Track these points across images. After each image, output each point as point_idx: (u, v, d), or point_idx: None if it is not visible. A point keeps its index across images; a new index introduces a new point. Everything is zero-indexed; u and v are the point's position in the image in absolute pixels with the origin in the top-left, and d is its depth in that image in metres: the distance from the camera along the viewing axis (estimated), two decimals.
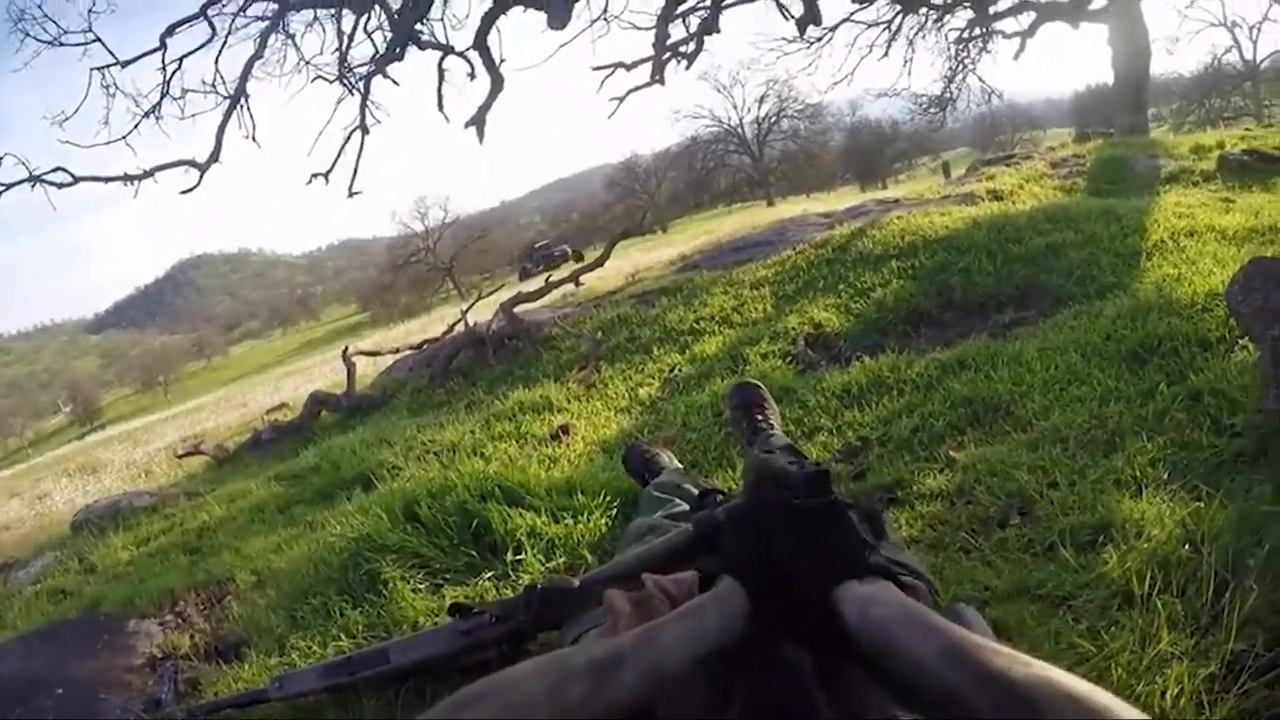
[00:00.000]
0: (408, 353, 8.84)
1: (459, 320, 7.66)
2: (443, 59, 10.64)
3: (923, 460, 3.06)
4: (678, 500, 2.49)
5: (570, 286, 8.50)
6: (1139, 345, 3.47)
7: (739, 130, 56.08)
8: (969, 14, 18.01)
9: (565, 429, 4.47)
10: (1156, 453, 2.59)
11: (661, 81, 11.62)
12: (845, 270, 6.13)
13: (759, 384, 3.28)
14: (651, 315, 6.53)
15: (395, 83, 10.78)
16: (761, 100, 54.61)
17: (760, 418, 3.05)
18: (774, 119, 55.28)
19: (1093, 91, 43.91)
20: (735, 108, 56.05)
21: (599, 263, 7.89)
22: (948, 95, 19.96)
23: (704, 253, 9.63)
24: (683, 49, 12.11)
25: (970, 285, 5.26)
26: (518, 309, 7.35)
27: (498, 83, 10.05)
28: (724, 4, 11.65)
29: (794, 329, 5.20)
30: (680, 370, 5.16)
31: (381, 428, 6.01)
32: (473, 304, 7.89)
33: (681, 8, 11.44)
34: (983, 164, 11.38)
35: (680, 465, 3.24)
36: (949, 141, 48.00)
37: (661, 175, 59.96)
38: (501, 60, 10.10)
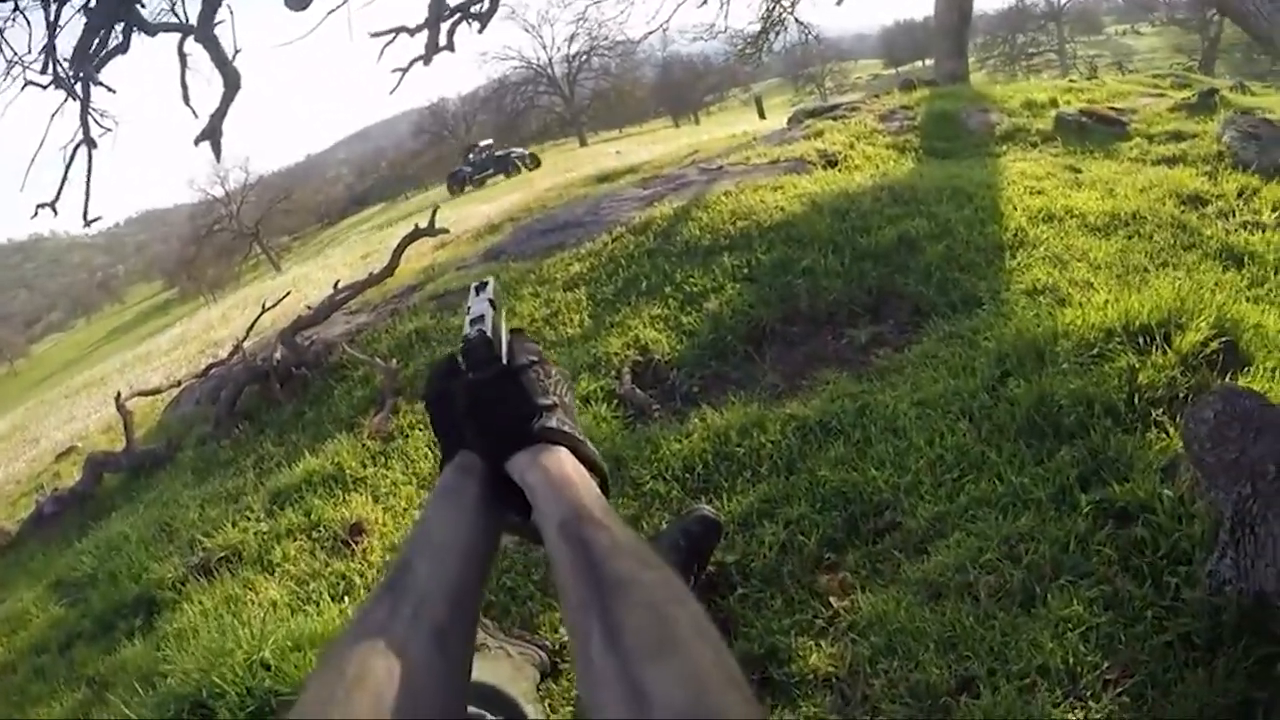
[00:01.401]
0: (192, 382, 7.93)
1: (243, 340, 6.68)
2: (183, 41, 8.65)
3: (798, 610, 2.47)
4: None
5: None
6: (1035, 411, 2.95)
7: (549, 70, 55.14)
8: None
9: (359, 529, 3.73)
10: (1087, 616, 2.09)
11: (451, 49, 10.40)
12: (671, 266, 5.43)
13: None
14: (454, 328, 5.66)
15: (110, 89, 8.57)
16: (572, 39, 53.49)
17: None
18: (585, 57, 54.36)
19: (902, 26, 45.26)
20: (544, 47, 54.96)
21: (388, 272, 7.01)
22: (764, 37, 19.51)
23: (514, 223, 8.84)
24: (475, 8, 10.73)
25: (817, 290, 4.67)
26: (303, 333, 6.46)
27: (232, 83, 8.16)
28: None
29: (617, 354, 4.50)
30: None
31: (163, 506, 5.15)
32: (245, 336, 6.89)
33: None
34: (806, 115, 10.85)
35: (486, 642, 2.47)
36: (760, 74, 48.45)
37: (471, 119, 58.13)
38: (237, 51, 8.26)
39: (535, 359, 0.95)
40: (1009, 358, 3.34)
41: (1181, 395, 2.83)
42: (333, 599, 3.19)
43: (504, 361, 0.92)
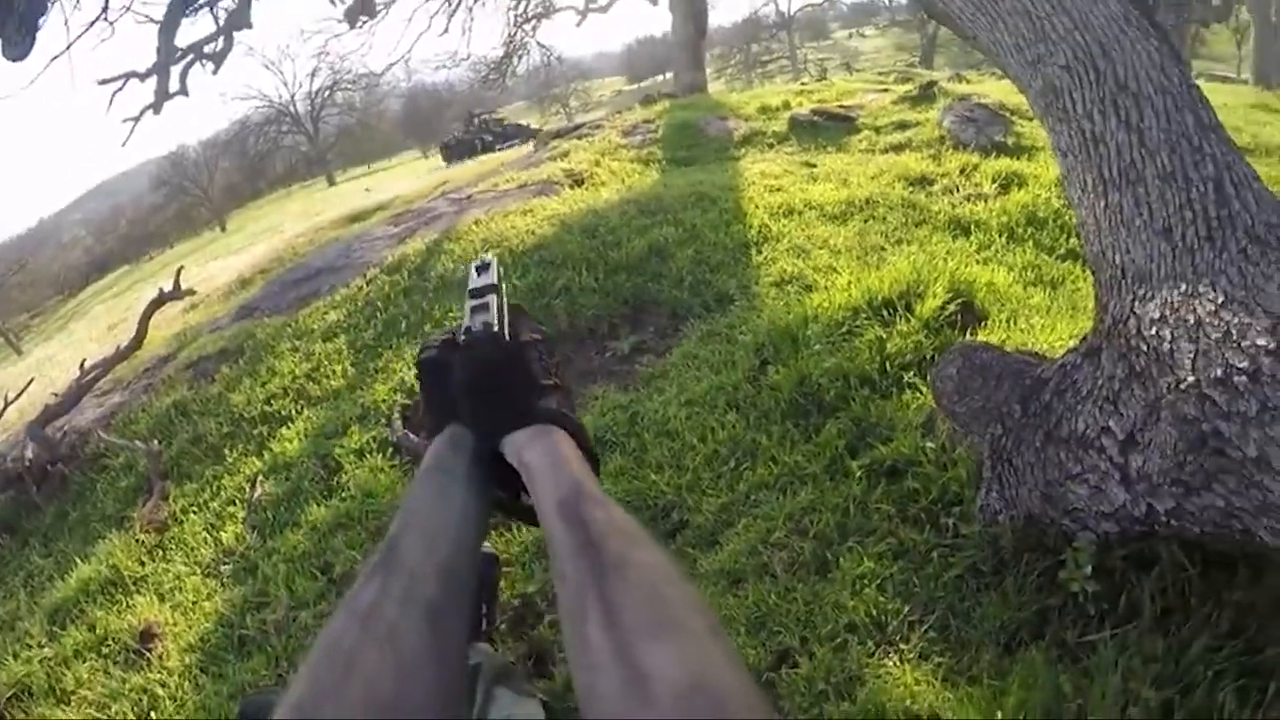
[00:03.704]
0: None
1: None
2: None
3: None
4: None
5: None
6: (797, 393, 3.15)
7: (292, 108, 53.08)
8: None
9: (150, 634, 3.45)
10: (879, 570, 2.27)
11: (185, 93, 9.91)
12: (429, 303, 5.40)
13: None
14: (214, 396, 5.39)
15: None
16: (313, 74, 51.82)
17: None
18: (328, 93, 52.84)
19: (643, 43, 46.86)
20: (286, 84, 52.82)
21: (136, 344, 6.55)
22: (507, 62, 19.81)
23: (265, 276, 8.47)
24: (208, 49, 10.31)
25: (576, 308, 4.76)
26: (54, 424, 5.85)
27: None
28: None
29: (385, 401, 4.40)
30: (264, 488, 4.17)
31: None
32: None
33: (196, 3, 9.75)
34: (552, 136, 11.11)
35: None
36: (505, 98, 48.88)
37: (214, 166, 55.14)
38: None
39: (538, 336, 0.95)
40: (765, 347, 3.53)
41: (929, 356, 3.10)
42: (138, 719, 2.99)
43: (506, 338, 0.92)
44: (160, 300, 6.61)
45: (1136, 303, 1.94)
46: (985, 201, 5.29)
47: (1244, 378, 1.59)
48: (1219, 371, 1.64)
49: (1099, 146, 2.13)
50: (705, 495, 2.83)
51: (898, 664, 2.01)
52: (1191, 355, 1.72)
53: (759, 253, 4.87)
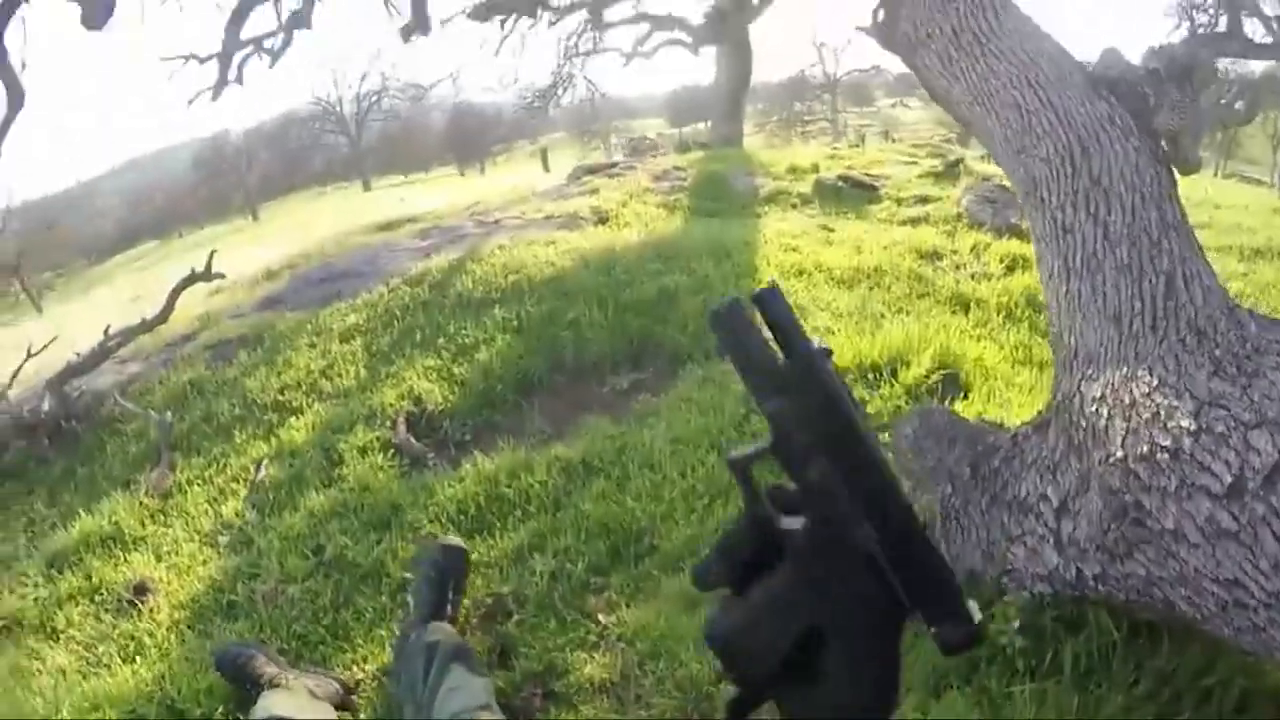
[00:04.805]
0: None
1: (7, 388, 6.20)
2: None
3: (570, 630, 2.74)
4: None
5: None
6: None
7: (338, 108, 53.86)
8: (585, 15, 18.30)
9: (143, 588, 3.63)
10: None
11: (240, 81, 10.30)
12: (444, 318, 5.63)
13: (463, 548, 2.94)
14: (229, 379, 5.63)
15: None
16: (363, 78, 52.72)
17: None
18: (376, 98, 53.63)
19: (688, 89, 47.43)
20: (335, 84, 53.64)
21: (162, 318, 6.74)
22: (553, 91, 20.26)
23: (293, 271, 8.77)
24: (267, 43, 10.74)
25: (582, 343, 5.01)
26: (72, 383, 6.06)
27: (17, 99, 7.82)
28: None
29: (392, 405, 4.64)
30: (268, 471, 4.40)
31: None
32: (9, 385, 6.44)
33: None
34: (585, 171, 11.42)
35: (285, 677, 2.57)
36: (548, 127, 49.43)
37: (253, 155, 55.79)
38: (24, 67, 7.91)
39: None
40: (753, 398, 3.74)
41: None
42: (123, 660, 3.14)
43: None
44: (192, 279, 6.82)
45: (1083, 382, 2.15)
46: (990, 280, 5.52)
47: (1166, 455, 1.77)
48: (1145, 448, 1.82)
49: (1068, 236, 2.35)
50: (677, 525, 3.05)
51: None
52: (1123, 432, 1.91)
53: None
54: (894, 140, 26.38)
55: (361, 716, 2.60)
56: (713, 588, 0.62)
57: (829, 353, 0.60)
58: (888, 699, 0.62)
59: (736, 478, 0.62)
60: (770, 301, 0.58)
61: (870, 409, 3.45)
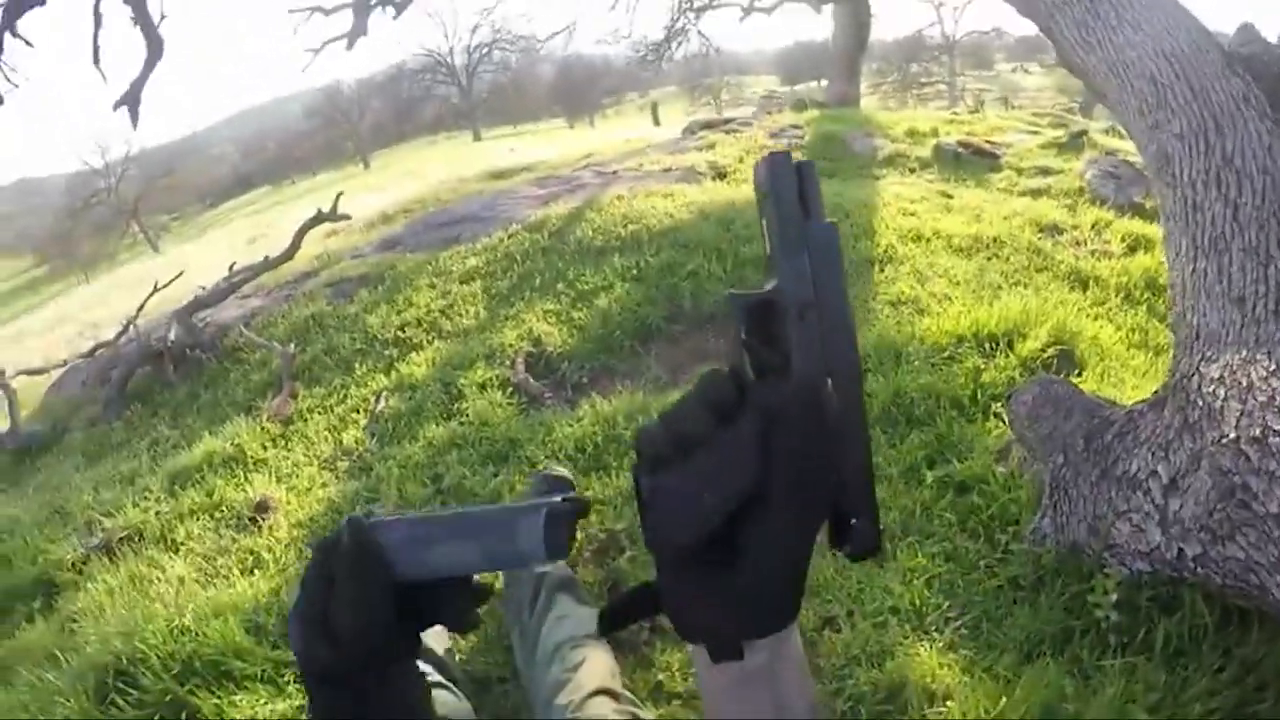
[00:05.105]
0: (78, 362, 7.67)
1: (134, 318, 6.61)
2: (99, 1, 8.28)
3: None
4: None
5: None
6: (892, 404, 3.43)
7: (449, 60, 54.45)
8: None
9: (264, 506, 3.84)
10: (930, 566, 2.55)
11: (364, 33, 10.58)
12: (564, 264, 5.77)
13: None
14: (350, 315, 5.88)
15: (29, 43, 8.02)
16: (474, 29, 53.06)
17: None
18: (486, 50, 54.00)
19: (801, 45, 46.54)
20: (446, 36, 54.20)
21: (288, 255, 7.08)
22: (666, 45, 20.12)
23: (409, 215, 8.98)
24: None
25: (701, 293, 5.08)
26: (198, 315, 6.47)
27: (156, 49, 8.12)
28: None
29: (512, 346, 4.80)
30: (388, 402, 4.62)
31: (55, 490, 5.04)
32: (136, 315, 6.82)
33: None
34: (701, 126, 11.40)
35: None
36: (658, 80, 49.16)
37: (365, 105, 56.98)
38: (163, 18, 8.24)
39: None
40: (870, 357, 3.81)
41: None
42: (242, 573, 3.31)
43: None
44: (318, 219, 7.12)
45: (1203, 362, 2.16)
46: (1110, 259, 5.40)
47: (1278, 438, 1.79)
48: (1257, 430, 1.84)
49: (1197, 215, 2.35)
50: None
51: (928, 648, 2.27)
52: (1238, 414, 1.92)
53: (881, 271, 5.09)
54: (1014, 107, 25.55)
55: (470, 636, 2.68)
56: (693, 433, 0.58)
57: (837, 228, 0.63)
58: (794, 599, 0.60)
59: (736, 314, 0.62)
60: (809, 172, 0.61)
61: (985, 379, 3.45)
